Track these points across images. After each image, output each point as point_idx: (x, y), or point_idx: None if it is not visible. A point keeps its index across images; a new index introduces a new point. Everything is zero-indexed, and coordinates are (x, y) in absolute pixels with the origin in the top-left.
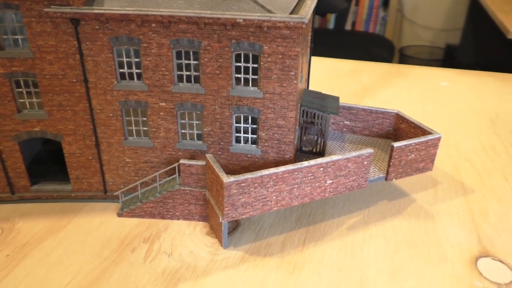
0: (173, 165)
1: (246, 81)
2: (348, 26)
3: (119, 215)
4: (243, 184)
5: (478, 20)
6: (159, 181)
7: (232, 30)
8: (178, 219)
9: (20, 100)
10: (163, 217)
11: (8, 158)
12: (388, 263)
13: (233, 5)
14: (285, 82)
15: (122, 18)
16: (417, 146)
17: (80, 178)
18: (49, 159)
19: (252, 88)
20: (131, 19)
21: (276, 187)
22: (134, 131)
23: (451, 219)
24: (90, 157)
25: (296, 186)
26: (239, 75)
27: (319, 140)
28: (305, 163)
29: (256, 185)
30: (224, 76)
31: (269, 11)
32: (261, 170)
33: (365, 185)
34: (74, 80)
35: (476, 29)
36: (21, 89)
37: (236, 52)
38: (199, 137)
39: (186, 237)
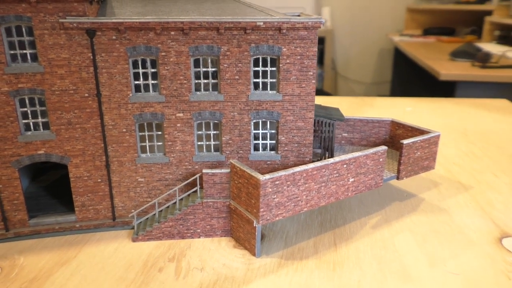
0: (195, 177)
1: (265, 85)
2: None
3: (134, 239)
4: (277, 182)
5: (404, 71)
6: (178, 196)
7: (252, 34)
8: (199, 237)
9: (24, 121)
10: (183, 237)
11: (5, 188)
12: (422, 251)
13: (242, 13)
14: (303, 83)
15: (141, 27)
16: (422, 143)
17: (86, 205)
18: (42, 194)
19: (271, 92)
20: (150, 27)
21: (306, 185)
22: (147, 147)
23: (462, 210)
24: (99, 180)
25: (323, 184)
26: (257, 80)
27: (327, 146)
28: (331, 160)
29: (288, 183)
30: (243, 81)
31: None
32: (292, 168)
33: (381, 184)
34: (86, 94)
35: (402, 79)
36: (25, 108)
37: (255, 56)
38: (216, 148)
39: (214, 252)
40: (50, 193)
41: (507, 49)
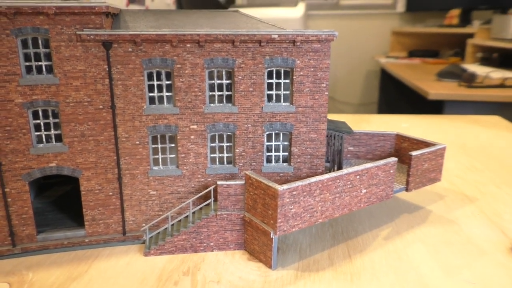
0: (209, 189)
1: (278, 97)
2: None
3: (146, 253)
4: (294, 192)
5: (391, 92)
6: (192, 209)
7: (266, 46)
8: (212, 251)
9: (36, 133)
10: (195, 250)
11: (15, 202)
12: (436, 261)
13: (255, 26)
14: (317, 95)
15: (158, 39)
16: (429, 155)
17: (97, 219)
18: (47, 209)
19: (284, 104)
20: (167, 40)
21: (322, 196)
22: (160, 160)
23: (471, 221)
24: (110, 193)
25: (337, 195)
26: (271, 92)
27: (336, 159)
28: (345, 171)
29: (305, 193)
30: (257, 93)
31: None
32: (308, 178)
33: (391, 195)
34: (101, 106)
35: (389, 99)
36: (38, 121)
37: (269, 69)
38: (229, 160)
39: (228, 265)
40: (56, 209)
41: (491, 70)
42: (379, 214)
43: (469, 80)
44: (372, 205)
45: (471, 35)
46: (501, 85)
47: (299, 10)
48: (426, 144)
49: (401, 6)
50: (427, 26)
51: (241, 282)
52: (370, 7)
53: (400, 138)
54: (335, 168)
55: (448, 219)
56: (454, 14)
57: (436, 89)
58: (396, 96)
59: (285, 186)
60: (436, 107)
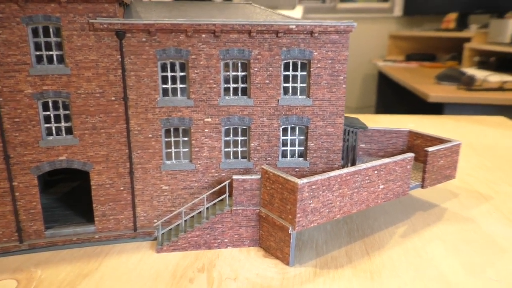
0: (224, 183)
1: (294, 90)
2: None
3: (159, 250)
4: (313, 187)
5: (388, 95)
6: (206, 204)
7: (284, 37)
8: (227, 247)
9: (46, 125)
10: (209, 247)
11: (22, 197)
12: (457, 259)
13: (269, 17)
14: (334, 87)
15: (172, 29)
16: (445, 151)
17: (107, 215)
18: (55, 205)
19: (300, 97)
20: (181, 29)
21: (340, 191)
22: (173, 154)
23: (488, 219)
24: (122, 188)
25: (355, 190)
26: (287, 84)
27: (350, 155)
28: (363, 165)
29: (324, 188)
30: (273, 85)
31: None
32: (328, 172)
33: (407, 192)
34: (113, 98)
35: (386, 102)
36: (48, 112)
37: (286, 61)
38: (244, 154)
39: (244, 262)
40: (63, 205)
41: (489, 73)
42: (393, 212)
43: (468, 83)
44: (386, 203)
45: (468, 39)
46: (500, 88)
47: (296, 13)
48: (440, 141)
49: (398, 10)
50: (424, 30)
51: (259, 279)
52: (367, 11)
53: (413, 135)
54: (349, 165)
55: (464, 217)
56: (451, 18)
57: (435, 92)
58: (394, 99)
59: (304, 180)
60: (435, 109)
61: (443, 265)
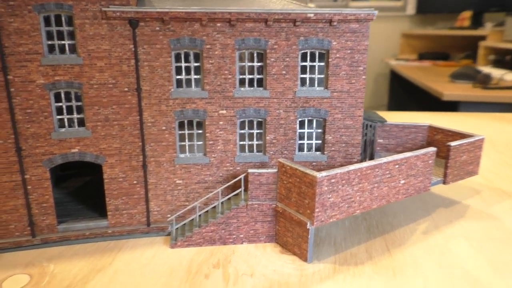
0: (239, 177)
1: (312, 81)
2: None
3: (173, 245)
4: (333, 180)
5: (400, 94)
6: (221, 199)
7: (301, 26)
8: (242, 243)
9: (58, 117)
10: (224, 243)
11: (35, 190)
12: (482, 257)
13: (286, 6)
14: (353, 79)
15: (187, 17)
16: (468, 146)
17: (120, 209)
18: (67, 200)
19: (318, 88)
20: (196, 18)
21: (360, 185)
22: (187, 147)
23: (511, 216)
24: (135, 182)
25: (376, 185)
26: (304, 75)
27: (368, 150)
28: (384, 159)
29: (343, 181)
30: (290, 76)
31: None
32: (348, 166)
33: (429, 188)
34: (126, 89)
35: (398, 101)
36: (60, 103)
37: (303, 51)
38: (259, 148)
39: (260, 258)
40: (75, 199)
41: (505, 71)
42: (413, 208)
43: (484, 81)
44: (406, 199)
45: (483, 38)
46: None
47: None
48: (462, 136)
49: (411, 9)
50: (438, 29)
51: (276, 276)
52: (380, 10)
53: (433, 130)
54: (367, 160)
55: (488, 214)
56: (466, 16)
57: (450, 90)
58: (406, 98)
59: (323, 173)
60: (448, 108)
61: (469, 263)
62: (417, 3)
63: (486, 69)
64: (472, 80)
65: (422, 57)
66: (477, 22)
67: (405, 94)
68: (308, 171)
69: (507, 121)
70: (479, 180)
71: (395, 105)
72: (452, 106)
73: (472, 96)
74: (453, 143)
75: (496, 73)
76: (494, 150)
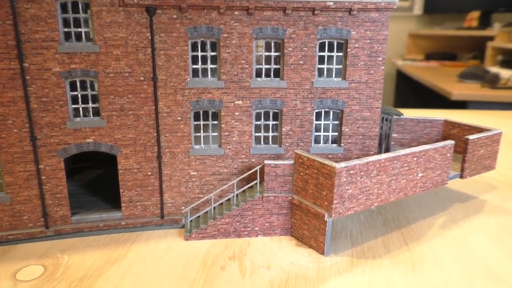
0: (255, 169)
1: (329, 71)
2: None
3: (187, 238)
4: (351, 171)
5: (407, 93)
6: (236, 191)
7: (320, 15)
8: (257, 236)
9: (73, 106)
10: (239, 235)
11: (49, 180)
12: (503, 252)
13: None
14: (372, 69)
15: (204, 5)
16: (486, 140)
17: (134, 201)
18: (80, 192)
19: (336, 79)
20: (214, 6)
21: (378, 177)
22: (202, 138)
23: None
24: (149, 173)
25: (394, 178)
26: (322, 66)
27: (384, 143)
28: (402, 151)
29: (362, 173)
30: (308, 66)
31: None
32: (366, 157)
33: (446, 182)
34: (142, 78)
35: (405, 101)
36: (76, 92)
37: (321, 40)
38: (275, 139)
39: (276, 250)
40: (88, 191)
41: None
42: (429, 203)
43: (493, 81)
44: (421, 194)
45: (491, 38)
46: None
47: None
48: (479, 130)
49: (418, 9)
50: (445, 29)
51: (293, 268)
52: None
53: (449, 124)
54: (383, 153)
55: (506, 209)
56: (474, 16)
57: (459, 90)
58: (413, 98)
59: (342, 164)
60: (457, 107)
61: (490, 257)
62: (424, 3)
63: (494, 69)
64: (480, 80)
65: (429, 57)
66: (485, 22)
67: (412, 94)
68: (327, 162)
69: None
70: (495, 175)
71: (401, 105)
72: (460, 105)
73: (481, 96)
74: (471, 137)
75: (505, 73)
76: (509, 147)
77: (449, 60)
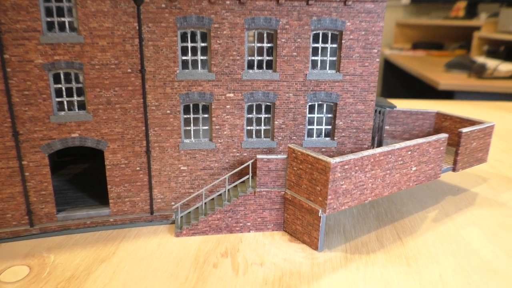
0: (247, 163)
1: (323, 63)
2: None
3: (178, 234)
4: (346, 166)
5: (393, 83)
6: (227, 186)
7: (314, 5)
8: (249, 231)
9: (57, 99)
10: (231, 231)
11: (33, 177)
12: (496, 245)
13: None
14: (366, 61)
15: None
16: (478, 133)
17: (122, 197)
18: (65, 188)
19: (330, 71)
20: None
21: (373, 172)
22: (192, 132)
23: None
24: (138, 168)
25: (388, 172)
26: (316, 57)
27: (377, 136)
28: (397, 145)
29: (356, 168)
30: (301, 58)
31: None
32: (361, 152)
33: (440, 175)
34: (129, 70)
35: (391, 90)
36: (60, 85)
37: (315, 31)
38: (267, 133)
39: (269, 246)
40: (74, 187)
41: (499, 62)
42: (421, 196)
43: (479, 71)
44: (413, 187)
45: (477, 28)
46: (511, 77)
47: None
48: (471, 123)
49: None
50: (432, 18)
51: (287, 265)
52: None
53: (441, 116)
54: (375, 147)
55: (497, 202)
56: (460, 6)
57: (446, 80)
58: (399, 87)
59: (337, 159)
60: (443, 97)
61: (484, 251)
62: None
63: (481, 59)
64: (467, 69)
65: (416, 46)
66: (471, 12)
67: (399, 83)
68: (321, 156)
69: (505, 110)
70: (485, 168)
71: (388, 94)
72: (447, 95)
73: (468, 86)
74: (464, 130)
75: (491, 63)
76: (497, 138)
77: (436, 49)
